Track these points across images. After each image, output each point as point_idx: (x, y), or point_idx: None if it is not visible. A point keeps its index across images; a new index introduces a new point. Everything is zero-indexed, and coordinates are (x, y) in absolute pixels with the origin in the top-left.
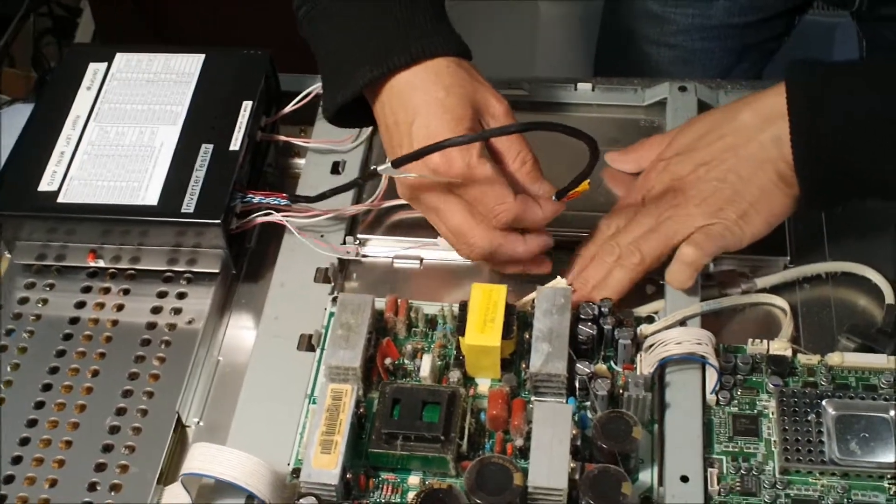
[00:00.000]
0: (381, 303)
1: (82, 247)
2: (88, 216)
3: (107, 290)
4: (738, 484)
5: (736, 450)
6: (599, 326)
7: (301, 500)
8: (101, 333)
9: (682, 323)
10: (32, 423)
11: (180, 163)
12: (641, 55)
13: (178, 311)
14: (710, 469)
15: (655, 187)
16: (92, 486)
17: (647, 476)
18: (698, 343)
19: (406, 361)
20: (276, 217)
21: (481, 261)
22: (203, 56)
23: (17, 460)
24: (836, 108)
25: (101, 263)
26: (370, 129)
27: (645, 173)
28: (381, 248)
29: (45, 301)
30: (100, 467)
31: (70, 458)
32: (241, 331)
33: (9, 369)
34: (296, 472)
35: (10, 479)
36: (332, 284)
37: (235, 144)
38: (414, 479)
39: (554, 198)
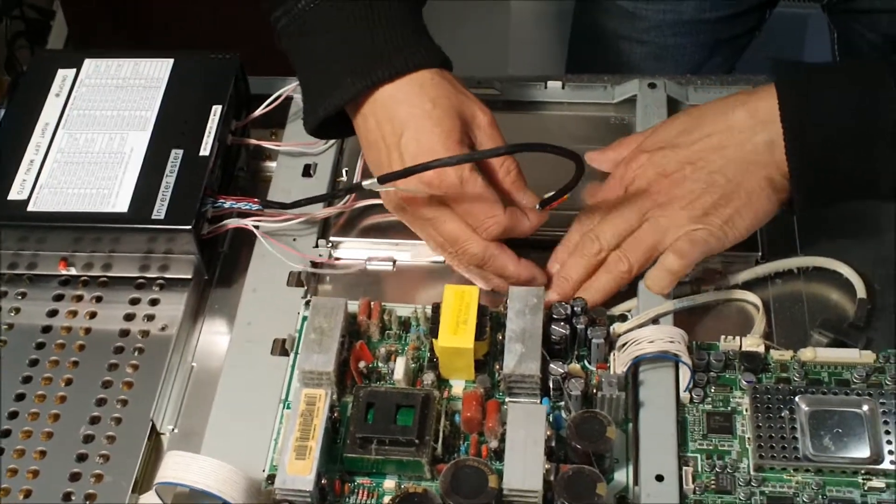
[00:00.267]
0: (354, 306)
1: (53, 255)
2: (59, 224)
3: (79, 298)
4: (713, 482)
5: (710, 448)
6: (572, 326)
7: None
8: (73, 341)
9: (655, 321)
10: (6, 434)
11: (150, 169)
12: (614, 52)
13: (150, 317)
14: (685, 467)
15: (638, 180)
16: (67, 496)
17: (622, 476)
18: (671, 341)
19: (380, 364)
20: (247, 224)
21: (469, 272)
22: (172, 61)
23: None
24: (827, 112)
25: (73, 271)
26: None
27: (625, 163)
28: (353, 251)
29: (17, 310)
30: (74, 477)
31: (44, 468)
32: (214, 336)
33: None
34: (271, 478)
35: None
36: (305, 288)
37: (205, 149)
38: (389, 483)
39: (538, 207)
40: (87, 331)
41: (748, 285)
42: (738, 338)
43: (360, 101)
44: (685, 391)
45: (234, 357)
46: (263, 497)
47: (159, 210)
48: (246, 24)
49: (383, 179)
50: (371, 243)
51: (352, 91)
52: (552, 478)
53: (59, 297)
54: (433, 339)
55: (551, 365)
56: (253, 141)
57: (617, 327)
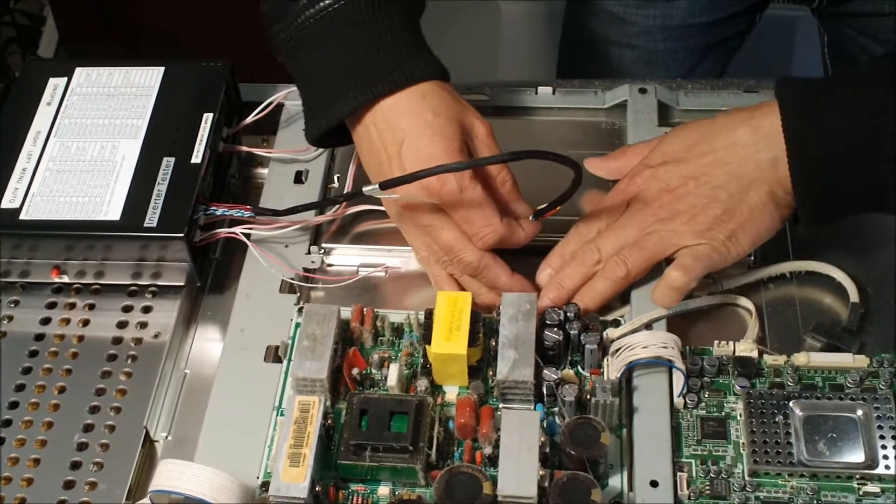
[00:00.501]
0: (346, 312)
1: (46, 263)
2: (51, 233)
3: (72, 306)
4: (707, 487)
5: (705, 453)
6: (565, 332)
7: None
8: (67, 349)
9: (648, 326)
10: (0, 442)
11: (142, 177)
12: (604, 57)
13: (143, 325)
14: (679, 473)
15: (642, 194)
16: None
17: (616, 481)
18: (664, 346)
19: (373, 371)
20: (238, 233)
21: (462, 281)
22: (163, 69)
23: None
24: (831, 128)
25: (66, 279)
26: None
27: (629, 177)
28: (346, 258)
29: (10, 318)
30: (68, 485)
31: (38, 476)
32: (207, 343)
33: None
34: (265, 485)
35: None
36: (298, 295)
37: (197, 157)
38: (384, 490)
39: (531, 218)
40: (81, 338)
41: (741, 290)
42: (731, 343)
43: (361, 112)
44: (679, 396)
45: (227, 364)
46: None
47: (151, 218)
48: (238, 28)
49: (385, 185)
50: (364, 250)
51: (353, 104)
52: (547, 484)
53: (51, 305)
54: (426, 346)
55: (545, 371)
56: (244, 148)
57: (610, 333)
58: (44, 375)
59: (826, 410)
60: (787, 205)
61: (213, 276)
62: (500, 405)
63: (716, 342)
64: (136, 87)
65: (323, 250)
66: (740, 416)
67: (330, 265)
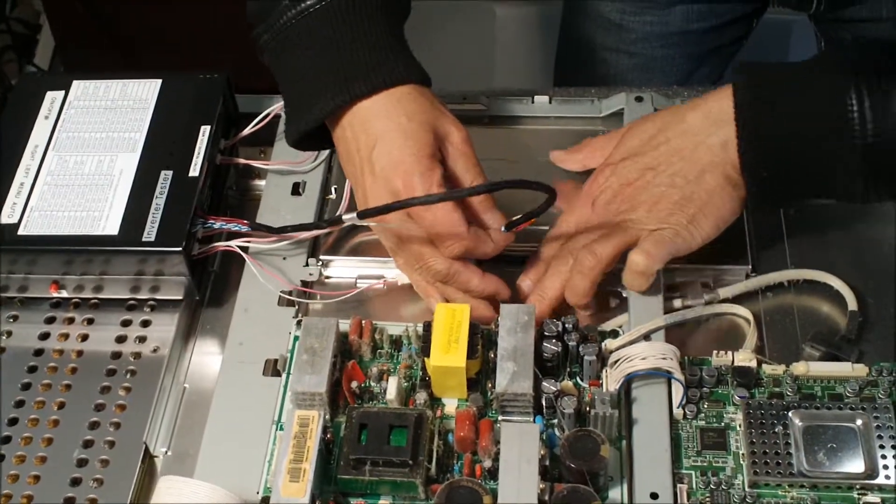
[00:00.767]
0: (345, 325)
1: (45, 278)
2: (50, 248)
3: (71, 321)
4: (708, 499)
5: (705, 464)
6: (564, 343)
7: None
8: (66, 364)
9: (647, 337)
10: (0, 458)
11: (140, 190)
12: (601, 63)
13: (142, 339)
14: (679, 485)
15: (604, 193)
16: None
17: (616, 494)
18: (663, 357)
19: (372, 384)
20: (235, 247)
21: (437, 287)
22: (160, 81)
23: None
24: (780, 109)
25: (64, 294)
26: (329, 149)
27: (593, 177)
28: (343, 269)
29: (9, 333)
30: (68, 502)
31: (38, 493)
32: (206, 357)
33: None
34: (265, 500)
35: None
36: (296, 308)
37: (195, 170)
38: None
39: (503, 229)
40: (80, 353)
41: (739, 299)
42: (730, 353)
43: (340, 114)
44: (678, 407)
45: (226, 378)
46: None
47: (150, 232)
48: (234, 34)
49: (363, 215)
50: (361, 261)
51: (331, 105)
52: (547, 497)
53: (50, 320)
54: (425, 358)
55: (544, 383)
56: (242, 160)
57: (609, 343)
58: (43, 391)
59: (826, 420)
60: (743, 186)
61: (212, 290)
62: (500, 418)
63: (714, 352)
64: (133, 100)
65: (321, 262)
66: (740, 426)
67: (328, 277)
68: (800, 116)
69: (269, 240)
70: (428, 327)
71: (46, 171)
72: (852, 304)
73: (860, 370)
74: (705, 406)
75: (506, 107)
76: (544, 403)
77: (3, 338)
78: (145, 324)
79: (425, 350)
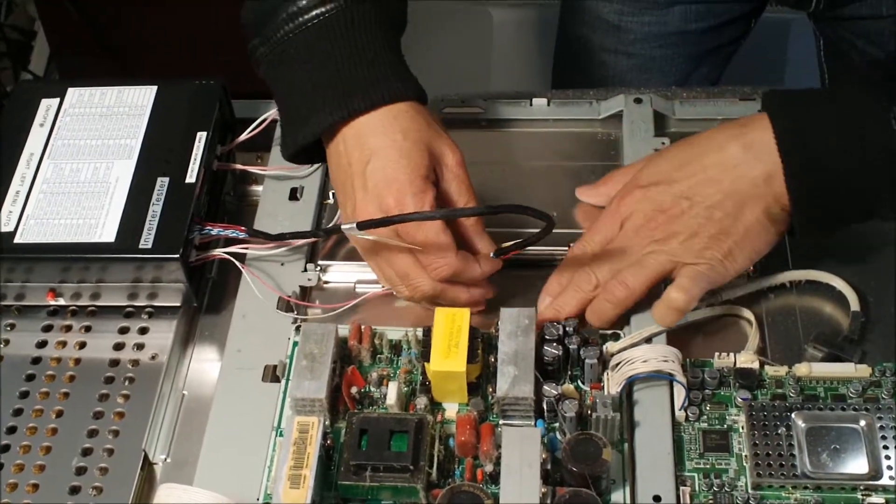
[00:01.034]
0: (344, 330)
1: (41, 286)
2: (46, 256)
3: (68, 328)
4: (711, 501)
5: (707, 466)
6: (565, 346)
7: None
8: (63, 372)
9: (648, 340)
10: None
11: (137, 197)
12: (599, 64)
13: (140, 346)
14: (682, 487)
15: (635, 216)
16: None
17: (619, 497)
18: (665, 360)
19: (372, 389)
20: (231, 257)
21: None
22: (155, 88)
23: None
24: (824, 142)
25: (62, 301)
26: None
27: (619, 198)
28: (342, 274)
29: (6, 342)
30: None
31: (38, 501)
32: (205, 364)
33: None
34: None
35: None
36: (295, 313)
37: (191, 177)
38: None
39: (492, 255)
40: (77, 361)
41: (741, 300)
42: (732, 354)
43: (336, 129)
44: (680, 410)
45: (225, 384)
46: None
47: (146, 239)
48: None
49: (363, 226)
50: (360, 266)
51: (330, 120)
52: (549, 501)
53: (48, 328)
54: (425, 363)
55: (545, 386)
56: (239, 166)
57: (610, 346)
58: (41, 399)
59: (829, 421)
60: (782, 220)
61: (210, 296)
62: (501, 422)
63: (716, 354)
64: (129, 107)
65: (319, 268)
66: (742, 428)
67: (326, 282)
68: (843, 146)
69: (267, 246)
70: (428, 332)
71: (42, 178)
72: (855, 305)
73: (863, 371)
74: (707, 408)
75: (504, 110)
76: (545, 407)
77: (1, 346)
78: (143, 331)
79: (425, 355)
